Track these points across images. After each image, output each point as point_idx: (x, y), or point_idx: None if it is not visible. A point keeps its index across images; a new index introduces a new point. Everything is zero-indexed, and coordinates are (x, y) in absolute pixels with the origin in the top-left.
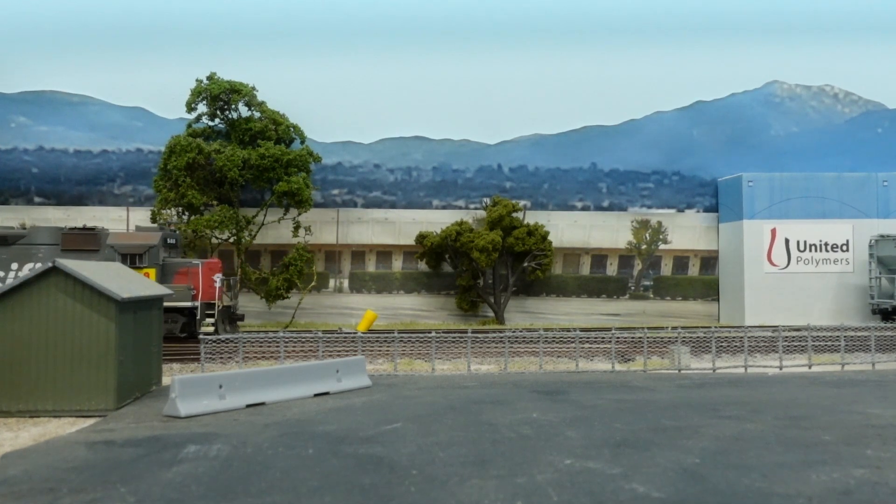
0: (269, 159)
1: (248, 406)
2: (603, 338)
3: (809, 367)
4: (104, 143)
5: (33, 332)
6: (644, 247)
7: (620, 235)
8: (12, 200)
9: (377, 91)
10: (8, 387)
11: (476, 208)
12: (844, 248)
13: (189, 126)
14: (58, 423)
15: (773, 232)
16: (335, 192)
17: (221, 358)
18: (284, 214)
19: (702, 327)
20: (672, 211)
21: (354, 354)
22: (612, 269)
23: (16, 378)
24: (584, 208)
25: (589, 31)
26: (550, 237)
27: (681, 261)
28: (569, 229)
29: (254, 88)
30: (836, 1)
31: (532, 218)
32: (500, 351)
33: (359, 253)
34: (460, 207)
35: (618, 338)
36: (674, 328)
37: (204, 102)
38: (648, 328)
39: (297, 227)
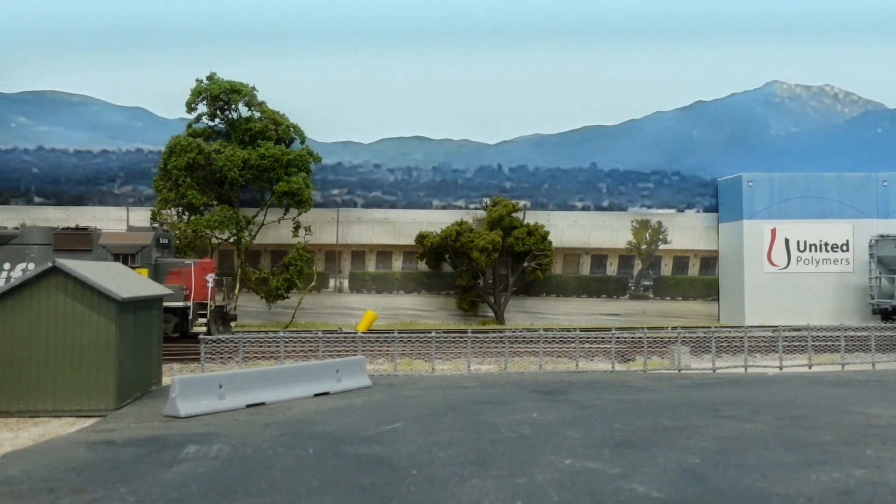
0: (269, 159)
1: (248, 406)
2: (603, 338)
3: (809, 367)
4: (104, 143)
5: (33, 332)
6: (644, 247)
7: (620, 235)
8: (12, 200)
9: (377, 91)
10: (8, 387)
11: (476, 208)
12: (844, 248)
13: (189, 126)
14: (58, 423)
15: (773, 232)
16: (335, 192)
17: (221, 358)
18: (284, 214)
19: (702, 327)
20: (672, 211)
21: (354, 354)
22: (612, 269)
23: (16, 378)
24: (584, 208)
25: (589, 31)
26: (550, 237)
27: (681, 261)
28: (569, 229)
29: (254, 88)
30: (836, 1)
31: (532, 218)
32: (500, 351)
33: (359, 253)
34: (460, 207)
35: (618, 338)
36: (674, 328)
37: (204, 102)
38: (648, 328)
39: (297, 227)
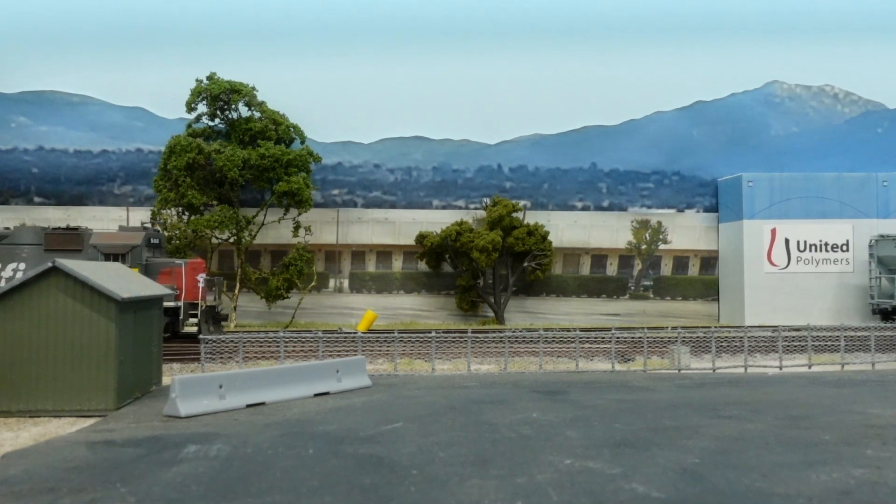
0: (269, 159)
1: (248, 406)
2: (603, 338)
3: (809, 367)
4: (104, 143)
5: (33, 332)
6: (644, 247)
7: (620, 235)
8: (12, 200)
9: (377, 91)
10: (8, 387)
11: (476, 208)
12: (844, 248)
13: (189, 126)
14: (58, 423)
15: (773, 232)
16: (335, 192)
17: (221, 358)
18: (284, 214)
19: (702, 327)
20: (672, 211)
21: (354, 354)
22: (612, 269)
23: (16, 378)
24: (584, 208)
25: (589, 31)
26: (550, 237)
27: (681, 261)
28: (569, 229)
29: (254, 88)
30: (836, 1)
31: (532, 218)
32: (500, 351)
33: (359, 253)
34: (460, 207)
35: (618, 338)
36: (674, 328)
37: (204, 102)
38: (648, 328)
39: (297, 227)
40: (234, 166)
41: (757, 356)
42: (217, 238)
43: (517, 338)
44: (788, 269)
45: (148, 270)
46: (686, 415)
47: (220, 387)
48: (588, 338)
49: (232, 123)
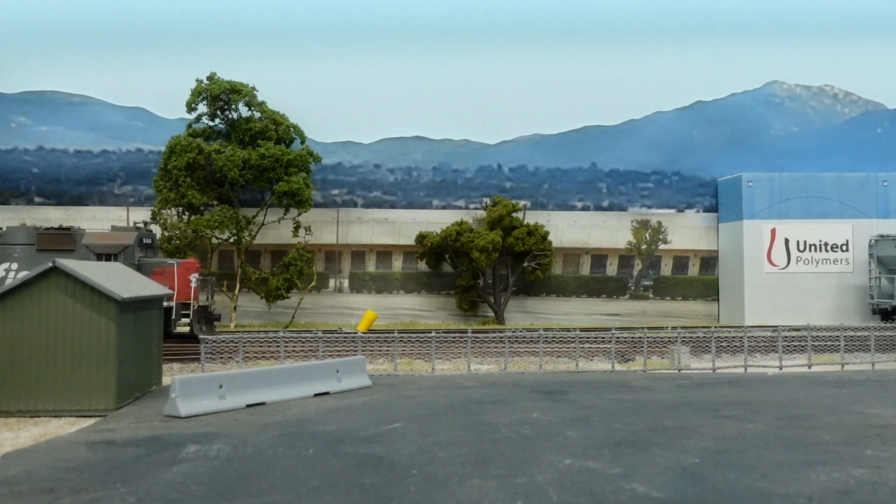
0: (269, 159)
1: (248, 406)
2: (603, 338)
3: (809, 367)
4: (104, 143)
5: (33, 332)
6: (644, 247)
7: (620, 235)
8: (12, 200)
9: (377, 91)
10: (8, 387)
11: (476, 208)
12: (844, 248)
13: (189, 126)
14: (58, 423)
15: (773, 232)
16: (335, 192)
17: (221, 358)
18: (284, 214)
19: (702, 327)
20: (672, 211)
21: (354, 354)
22: (612, 269)
23: (16, 378)
24: (584, 208)
25: (589, 31)
26: (550, 237)
27: (681, 261)
28: (569, 229)
29: (254, 88)
30: (836, 1)
31: (532, 218)
32: (500, 351)
33: (359, 253)
34: (460, 207)
35: (618, 338)
36: (674, 328)
37: (204, 102)
38: (648, 328)
39: (297, 227)
40: (234, 166)
41: (757, 356)
42: (217, 238)
43: (517, 338)
44: (788, 269)
45: (140, 270)
46: (686, 415)
47: (220, 387)
48: (588, 338)
49: (232, 123)
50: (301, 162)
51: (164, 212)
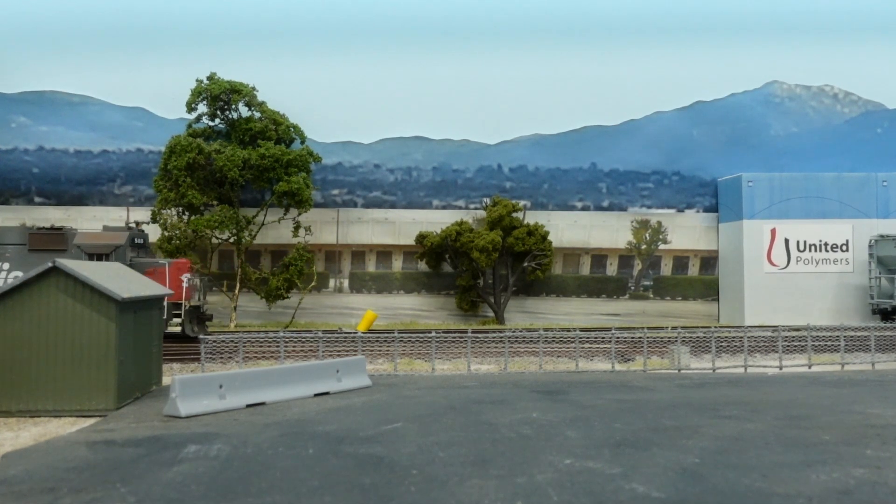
0: (269, 159)
1: (249, 406)
2: (603, 338)
3: (809, 367)
4: (104, 143)
5: (33, 332)
6: (644, 247)
7: (620, 235)
8: (13, 200)
9: (377, 91)
10: (8, 387)
11: (476, 208)
12: (844, 248)
13: (189, 126)
14: (58, 423)
15: (773, 232)
16: (335, 192)
17: (221, 358)
18: (284, 214)
19: (702, 327)
20: (672, 211)
21: (354, 354)
22: (612, 269)
23: (16, 378)
24: (584, 208)
25: (589, 31)
26: (550, 237)
27: (681, 261)
28: (569, 229)
29: (254, 88)
30: (836, 1)
31: (532, 218)
32: (500, 351)
33: (359, 253)
34: (460, 207)
35: (618, 338)
36: (674, 328)
37: (204, 102)
38: (648, 328)
39: (297, 227)
40: (235, 166)
41: (757, 356)
42: (217, 238)
43: (517, 338)
44: (788, 269)
45: None
46: (686, 415)
47: (221, 387)
48: (588, 338)
49: (232, 123)
50: (301, 162)
51: (164, 212)
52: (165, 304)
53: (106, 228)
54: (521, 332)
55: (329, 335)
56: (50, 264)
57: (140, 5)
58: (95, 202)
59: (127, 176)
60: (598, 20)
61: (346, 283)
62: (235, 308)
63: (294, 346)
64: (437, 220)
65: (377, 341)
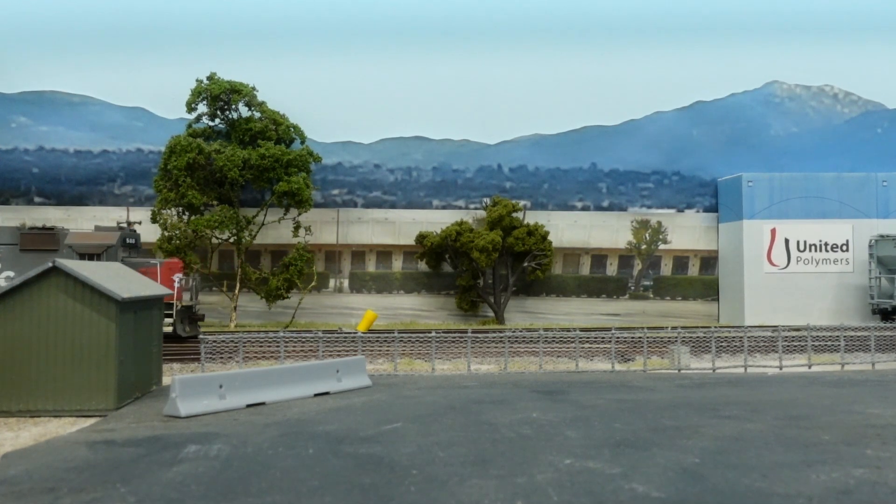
0: (269, 159)
1: (249, 406)
2: (603, 338)
3: (809, 367)
4: (104, 143)
5: (34, 332)
6: (644, 247)
7: (620, 235)
8: (13, 200)
9: (377, 91)
10: (8, 387)
11: (476, 208)
12: (844, 248)
13: (189, 126)
14: (58, 423)
15: (773, 232)
16: (335, 192)
17: (221, 358)
18: (284, 214)
19: (702, 327)
20: (672, 211)
21: (354, 354)
22: (612, 269)
23: (16, 378)
24: (584, 208)
25: (589, 31)
26: (550, 237)
27: (681, 261)
28: (569, 229)
29: (254, 88)
30: (836, 1)
31: (532, 218)
32: (500, 351)
33: (359, 253)
34: (460, 207)
35: (618, 338)
36: (674, 328)
37: (204, 102)
38: (648, 328)
39: (297, 227)
40: (235, 166)
41: (757, 356)
42: (217, 238)
43: (517, 338)
44: (788, 269)
45: None
46: (686, 415)
47: (221, 387)
48: (588, 338)
49: (232, 123)
50: (301, 162)
51: (164, 212)
52: None
53: (97, 228)
54: (521, 332)
55: (329, 335)
56: (50, 264)
57: (140, 5)
58: (95, 202)
59: (127, 176)
60: (598, 20)
61: (346, 283)
62: (235, 308)
63: (294, 346)
64: (437, 220)
65: (377, 341)
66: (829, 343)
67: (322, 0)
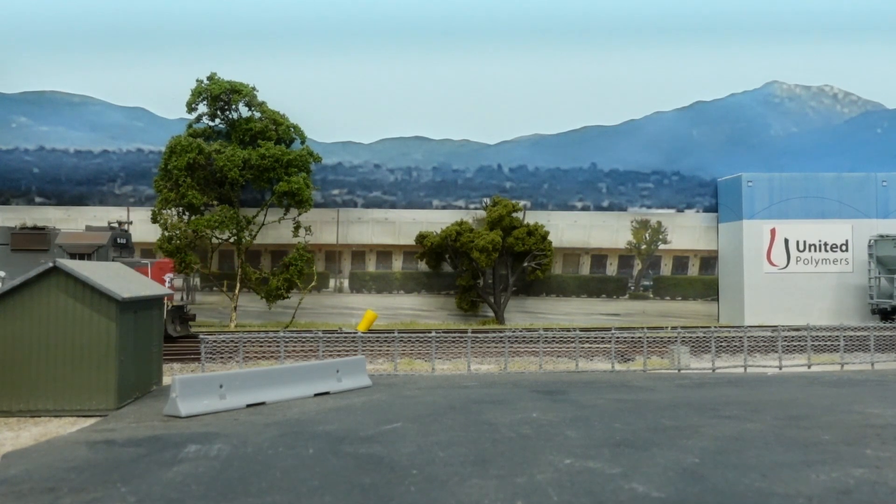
0: (269, 159)
1: (249, 406)
2: (603, 338)
3: (809, 367)
4: (105, 143)
5: (34, 332)
6: (644, 247)
7: (620, 235)
8: (13, 200)
9: (377, 91)
10: (8, 387)
11: (476, 208)
12: (844, 248)
13: (189, 126)
14: (58, 423)
15: (773, 232)
16: (335, 192)
17: (222, 358)
18: (285, 214)
19: (701, 327)
20: (672, 211)
21: (354, 354)
22: (611, 269)
23: (16, 378)
24: (584, 208)
25: (589, 31)
26: (550, 237)
27: (680, 261)
28: (569, 229)
29: (254, 89)
30: (836, 1)
31: (532, 218)
32: (500, 351)
33: (359, 253)
34: (460, 207)
35: (618, 338)
36: (673, 328)
37: (204, 103)
38: (648, 328)
39: (297, 227)
40: (235, 166)
41: (757, 356)
42: (217, 238)
43: (517, 338)
44: (788, 269)
45: None
46: (686, 415)
47: (221, 387)
48: (588, 338)
49: (232, 123)
50: (301, 162)
51: (164, 212)
52: None
53: (88, 228)
54: (521, 332)
55: (329, 335)
56: (50, 264)
57: (140, 5)
58: (96, 202)
59: (127, 176)
60: (598, 20)
61: (346, 283)
62: (235, 308)
63: (294, 346)
64: (437, 220)
65: (377, 341)
66: (828, 343)
67: (322, 0)
